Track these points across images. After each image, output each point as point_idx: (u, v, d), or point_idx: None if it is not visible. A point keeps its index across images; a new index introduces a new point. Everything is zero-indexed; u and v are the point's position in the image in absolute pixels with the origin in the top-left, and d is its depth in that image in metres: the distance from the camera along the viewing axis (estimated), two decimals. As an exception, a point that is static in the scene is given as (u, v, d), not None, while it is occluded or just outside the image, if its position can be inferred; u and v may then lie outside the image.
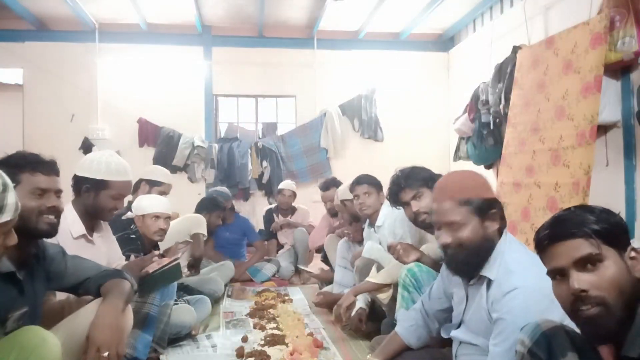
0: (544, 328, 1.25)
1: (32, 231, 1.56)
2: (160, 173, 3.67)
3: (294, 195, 5.16)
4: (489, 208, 1.59)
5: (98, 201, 2.13)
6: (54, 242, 1.77)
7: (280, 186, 5.23)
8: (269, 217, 5.28)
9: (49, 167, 1.66)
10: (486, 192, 1.62)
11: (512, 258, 1.55)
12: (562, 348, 1.19)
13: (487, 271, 1.57)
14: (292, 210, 5.23)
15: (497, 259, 1.57)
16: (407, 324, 1.95)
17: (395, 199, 2.53)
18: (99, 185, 2.13)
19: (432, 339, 1.94)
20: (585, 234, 1.13)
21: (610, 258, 1.12)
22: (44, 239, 1.68)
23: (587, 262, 1.12)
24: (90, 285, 1.76)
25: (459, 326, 1.72)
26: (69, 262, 1.78)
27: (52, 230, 1.63)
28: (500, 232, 1.61)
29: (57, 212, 1.64)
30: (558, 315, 1.28)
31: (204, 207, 4.14)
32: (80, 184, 2.15)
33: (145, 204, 2.90)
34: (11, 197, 1.24)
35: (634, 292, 1.10)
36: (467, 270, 1.62)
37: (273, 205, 5.46)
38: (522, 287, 1.46)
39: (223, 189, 5.08)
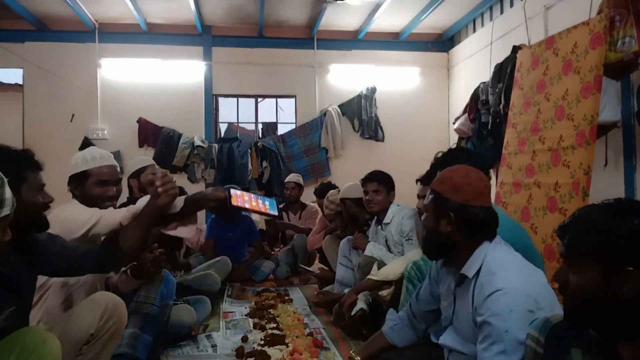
0: (554, 321, 1.23)
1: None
2: (137, 160, 3.36)
3: (298, 187, 5.11)
4: (449, 210, 1.55)
5: (86, 193, 2.16)
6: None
7: (286, 180, 5.22)
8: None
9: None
10: (471, 197, 1.55)
11: (494, 259, 1.51)
12: (566, 343, 1.16)
13: (466, 269, 1.55)
14: (302, 207, 5.15)
15: (476, 260, 1.54)
16: (392, 323, 1.97)
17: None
18: (81, 177, 2.17)
19: (421, 339, 1.92)
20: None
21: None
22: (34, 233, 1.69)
23: None
24: (89, 260, 1.77)
25: (449, 324, 1.71)
26: (58, 241, 1.76)
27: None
28: (486, 238, 1.57)
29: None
30: (544, 316, 1.29)
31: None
32: (69, 185, 2.21)
33: None
34: (8, 192, 1.21)
35: None
36: (427, 253, 1.73)
37: (282, 205, 5.32)
38: (505, 288, 1.41)
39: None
